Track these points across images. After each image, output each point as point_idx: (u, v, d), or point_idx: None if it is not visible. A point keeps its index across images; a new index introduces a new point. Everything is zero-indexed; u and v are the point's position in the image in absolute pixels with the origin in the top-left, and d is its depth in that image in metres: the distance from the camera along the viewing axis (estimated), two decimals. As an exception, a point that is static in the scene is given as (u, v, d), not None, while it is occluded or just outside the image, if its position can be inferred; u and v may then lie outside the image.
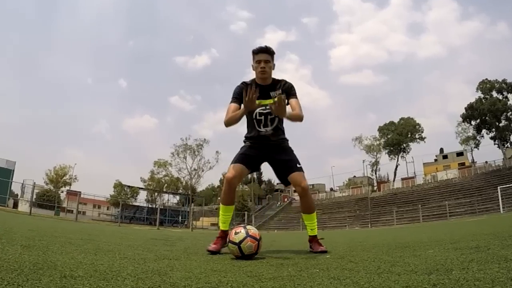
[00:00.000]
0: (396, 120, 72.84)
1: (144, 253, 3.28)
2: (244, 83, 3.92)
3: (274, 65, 3.94)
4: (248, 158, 3.88)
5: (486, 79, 59.77)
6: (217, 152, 64.64)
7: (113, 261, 2.44)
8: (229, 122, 3.79)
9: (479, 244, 3.35)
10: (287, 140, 4.06)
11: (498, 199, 32.25)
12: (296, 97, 3.91)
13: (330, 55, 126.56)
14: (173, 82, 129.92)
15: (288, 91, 3.88)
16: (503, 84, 58.33)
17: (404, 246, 3.92)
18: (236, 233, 3.11)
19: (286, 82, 3.96)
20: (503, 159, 54.08)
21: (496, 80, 59.15)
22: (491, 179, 45.61)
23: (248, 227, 3.23)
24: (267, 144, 3.92)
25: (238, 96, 3.82)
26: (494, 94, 59.18)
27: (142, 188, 65.48)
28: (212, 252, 3.46)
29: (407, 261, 2.53)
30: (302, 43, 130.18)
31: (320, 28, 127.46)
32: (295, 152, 4.03)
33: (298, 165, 3.88)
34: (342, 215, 52.20)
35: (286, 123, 3.98)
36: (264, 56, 3.81)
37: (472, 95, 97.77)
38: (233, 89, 3.93)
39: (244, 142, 4.06)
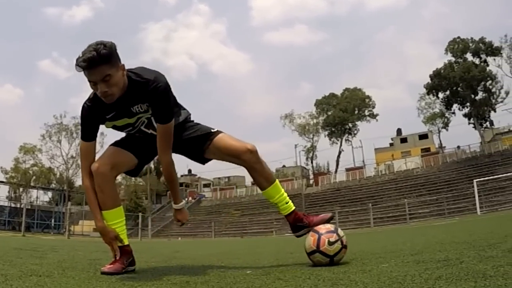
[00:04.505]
0: (338, 92, 74.83)
1: (5, 267, 3.26)
2: (91, 100, 3.37)
3: (123, 65, 3.21)
4: (134, 142, 3.70)
5: (458, 37, 62.32)
6: (102, 134, 62.65)
7: None
8: (86, 196, 3.61)
9: (448, 255, 3.44)
10: (186, 117, 3.86)
11: (474, 196, 33.70)
12: (170, 118, 3.36)
13: (252, 5, 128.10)
14: (43, 41, 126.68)
15: (157, 107, 3.34)
16: (480, 44, 60.89)
17: (350, 259, 3.98)
18: (330, 243, 3.21)
19: (153, 87, 3.26)
20: (481, 143, 56.63)
21: (472, 39, 61.66)
22: (465, 170, 47.97)
23: (340, 231, 3.38)
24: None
25: (88, 128, 3.46)
26: (469, 57, 61.69)
27: (2, 182, 63.72)
28: (109, 274, 3.19)
29: (353, 279, 2.55)
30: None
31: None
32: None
33: (212, 129, 3.75)
34: (267, 217, 52.84)
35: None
36: (96, 73, 3.04)
37: (439, 59, 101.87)
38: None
39: None
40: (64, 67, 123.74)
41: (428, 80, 63.53)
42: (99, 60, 2.96)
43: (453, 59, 61.84)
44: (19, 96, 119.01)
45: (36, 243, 8.74)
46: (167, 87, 3.29)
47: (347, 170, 66.17)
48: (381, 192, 50.82)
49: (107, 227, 3.42)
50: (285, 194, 3.84)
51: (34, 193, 68.02)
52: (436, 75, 62.25)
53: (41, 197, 70.12)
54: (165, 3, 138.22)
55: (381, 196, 48.95)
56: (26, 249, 6.09)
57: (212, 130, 3.74)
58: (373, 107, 73.34)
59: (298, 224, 3.74)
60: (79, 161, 61.59)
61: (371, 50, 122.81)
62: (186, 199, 74.95)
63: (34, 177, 67.23)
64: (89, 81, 3.08)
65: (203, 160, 3.84)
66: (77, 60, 2.99)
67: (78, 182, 73.29)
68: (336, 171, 70.58)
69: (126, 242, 3.52)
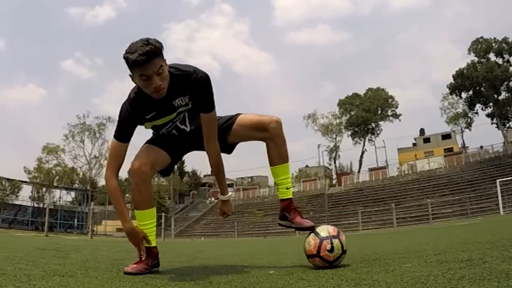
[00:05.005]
0: (361, 92, 74.43)
1: (28, 267, 3.25)
2: (132, 100, 3.39)
3: (165, 60, 3.19)
4: (167, 141, 3.70)
5: (481, 37, 61.65)
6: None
7: None
8: (109, 194, 3.61)
9: (471, 255, 3.41)
10: None
11: (497, 196, 33.16)
12: (212, 107, 3.45)
13: (274, 5, 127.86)
14: (66, 41, 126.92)
15: (200, 97, 3.39)
16: (503, 44, 60.20)
17: (373, 259, 3.97)
18: (330, 250, 3.17)
19: (195, 79, 3.32)
20: (504, 143, 55.92)
21: (495, 38, 60.98)
22: (488, 170, 47.39)
23: (342, 237, 3.34)
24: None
25: (125, 129, 3.44)
26: (492, 57, 61.00)
27: (26, 182, 64.22)
28: (132, 274, 3.19)
29: (376, 279, 2.55)
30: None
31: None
32: None
33: (232, 115, 3.78)
34: (290, 217, 52.65)
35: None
36: (152, 66, 3.05)
37: (462, 59, 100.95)
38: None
39: None
40: (87, 67, 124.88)
41: (451, 80, 62.93)
42: (155, 52, 3.00)
43: (476, 59, 61.21)
44: (42, 96, 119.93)
45: (59, 243, 8.78)
46: (207, 77, 3.33)
47: (370, 170, 65.84)
48: (404, 192, 50.47)
49: (136, 228, 3.43)
50: (290, 180, 3.83)
51: (57, 193, 68.28)
52: (459, 75, 61.61)
53: (64, 197, 70.52)
54: (188, 3, 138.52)
55: (404, 196, 48.62)
56: (49, 249, 6.10)
57: (233, 115, 3.76)
58: (396, 107, 73.02)
59: (285, 214, 3.74)
60: (102, 161, 62.77)
61: (394, 50, 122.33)
62: (209, 199, 75.08)
63: (57, 177, 67.16)
64: (141, 75, 3.05)
65: (228, 148, 3.83)
66: (128, 58, 3.01)
67: (101, 182, 73.78)
68: (359, 171, 70.33)
69: (154, 243, 3.53)
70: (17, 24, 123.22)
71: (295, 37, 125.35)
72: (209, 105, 3.39)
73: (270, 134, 3.59)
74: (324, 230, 3.32)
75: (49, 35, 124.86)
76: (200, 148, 3.75)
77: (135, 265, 3.31)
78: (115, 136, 3.45)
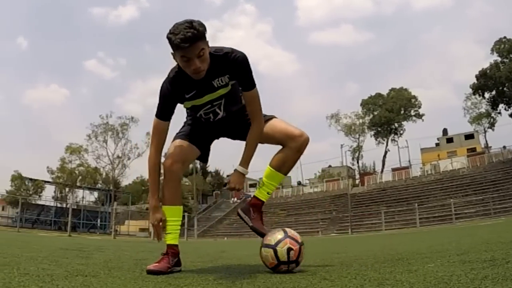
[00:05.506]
0: (385, 92, 74.04)
1: (51, 267, 3.26)
2: (172, 79, 3.48)
3: (207, 42, 3.26)
4: (197, 133, 3.79)
5: (504, 37, 60.80)
6: (148, 134, 62.75)
7: (11, 279, 2.43)
8: (149, 171, 3.68)
9: (494, 255, 3.40)
10: None
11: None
12: (253, 84, 3.52)
13: (297, 5, 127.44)
14: (89, 41, 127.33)
15: (240, 76, 3.48)
16: (526, 44, 59.26)
17: (396, 259, 3.97)
18: (288, 250, 3.14)
19: (234, 58, 3.39)
20: (527, 143, 55.27)
21: (518, 38, 60.11)
22: (511, 170, 46.83)
23: (290, 233, 3.32)
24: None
25: (166, 107, 3.55)
26: (515, 57, 60.08)
27: (49, 182, 64.54)
28: (155, 273, 3.25)
29: (399, 279, 2.54)
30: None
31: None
32: None
33: (267, 115, 3.81)
34: (313, 217, 52.86)
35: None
36: (193, 49, 3.12)
37: (485, 59, 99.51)
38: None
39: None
40: (110, 67, 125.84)
41: (474, 80, 62.19)
42: (198, 36, 3.07)
43: (499, 59, 60.46)
44: (65, 96, 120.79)
45: (82, 243, 8.83)
46: (245, 56, 3.41)
47: (393, 170, 65.40)
48: (427, 192, 50.11)
49: (159, 208, 3.53)
50: (274, 187, 3.90)
51: (80, 193, 68.44)
52: (482, 75, 60.93)
53: (87, 197, 70.81)
54: (211, 3, 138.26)
55: (427, 196, 48.27)
56: (72, 249, 6.13)
57: (268, 115, 3.79)
58: (419, 107, 72.50)
59: (251, 210, 3.81)
60: (124, 161, 63.03)
61: (417, 50, 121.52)
62: (233, 199, 75.06)
63: (80, 177, 67.50)
64: (182, 56, 3.14)
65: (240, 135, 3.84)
66: (171, 38, 3.08)
67: (124, 182, 74.07)
68: (382, 171, 69.93)
69: (176, 242, 3.57)
70: (40, 24, 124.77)
71: (318, 37, 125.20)
72: (250, 83, 3.48)
73: (295, 144, 3.65)
74: (272, 239, 3.26)
75: (72, 35, 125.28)
76: (230, 135, 3.89)
77: (157, 264, 3.34)
78: (156, 115, 3.55)
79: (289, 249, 3.13)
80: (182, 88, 3.45)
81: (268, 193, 3.84)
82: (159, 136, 3.59)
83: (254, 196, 3.84)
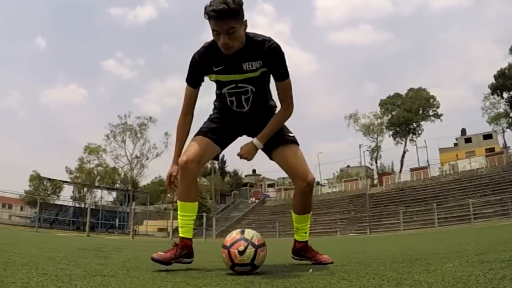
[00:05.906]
0: (403, 92, 73.79)
1: (70, 267, 3.27)
2: (201, 51, 3.57)
3: (245, 21, 3.34)
4: (219, 129, 3.83)
5: (524, 37, 60.40)
6: (166, 134, 63.77)
7: (29, 278, 2.43)
8: (176, 134, 3.85)
9: (513, 255, 3.37)
10: (275, 107, 3.98)
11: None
12: (287, 75, 3.61)
13: (316, 5, 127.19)
14: (108, 41, 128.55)
15: (274, 65, 3.55)
16: (545, 44, 58.66)
17: (414, 259, 3.96)
18: (241, 252, 3.09)
19: (269, 46, 3.46)
20: (545, 143, 54.82)
21: (537, 38, 59.67)
22: (530, 170, 46.48)
23: (248, 234, 3.22)
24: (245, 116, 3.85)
25: (193, 75, 3.67)
26: (534, 57, 59.44)
27: (67, 182, 64.47)
28: (159, 262, 3.40)
29: (417, 279, 2.53)
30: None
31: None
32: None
33: (290, 135, 3.85)
34: (331, 217, 52.79)
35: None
36: (222, 24, 3.20)
37: (504, 59, 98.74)
38: (189, 55, 3.66)
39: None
40: (128, 67, 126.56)
41: (493, 80, 61.89)
42: (228, 13, 3.13)
43: (517, 59, 60.02)
44: (84, 96, 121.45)
45: (101, 243, 8.86)
46: (280, 47, 3.49)
47: (412, 170, 65.16)
48: (445, 192, 49.87)
49: (175, 169, 3.71)
50: (309, 226, 4.11)
51: (98, 193, 68.25)
52: (501, 75, 60.62)
53: (105, 197, 70.75)
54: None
55: (445, 196, 48.05)
56: (90, 249, 6.14)
57: (291, 135, 3.85)
58: (438, 107, 72.15)
59: (302, 253, 4.06)
60: (143, 161, 63.16)
61: (435, 50, 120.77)
62: (251, 199, 75.09)
63: (98, 177, 66.83)
64: (213, 29, 3.26)
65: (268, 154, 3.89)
66: (206, 8, 3.17)
67: (143, 182, 73.87)
68: (400, 171, 69.68)
69: (187, 235, 3.64)
70: (58, 24, 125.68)
71: (336, 37, 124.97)
72: (284, 73, 3.58)
73: (301, 188, 3.81)
74: (250, 234, 3.23)
75: (90, 35, 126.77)
76: (252, 133, 3.85)
77: (163, 253, 3.50)
78: (186, 81, 3.71)
79: (242, 251, 3.09)
80: (212, 60, 3.52)
81: (305, 232, 4.08)
82: (187, 101, 3.75)
83: (296, 241, 4.08)
